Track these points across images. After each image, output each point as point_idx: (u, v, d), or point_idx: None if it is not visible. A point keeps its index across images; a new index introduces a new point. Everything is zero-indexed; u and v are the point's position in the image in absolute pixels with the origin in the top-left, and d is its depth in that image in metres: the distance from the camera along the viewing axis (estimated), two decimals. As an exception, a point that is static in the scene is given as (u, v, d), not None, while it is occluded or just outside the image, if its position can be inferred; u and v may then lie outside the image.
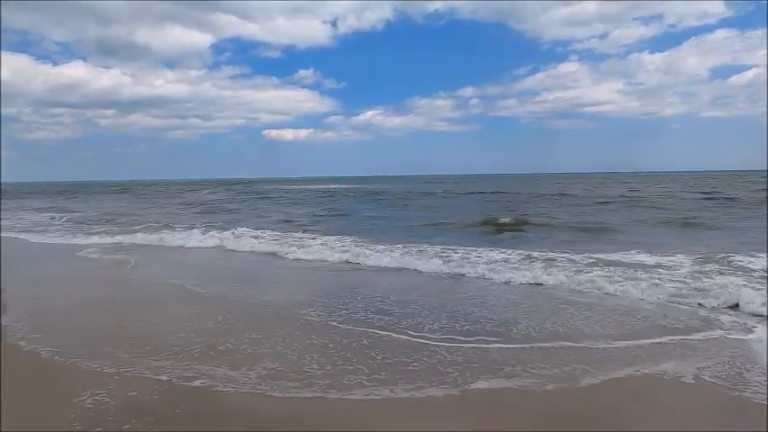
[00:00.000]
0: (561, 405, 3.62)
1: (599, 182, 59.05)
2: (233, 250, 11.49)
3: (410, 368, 4.27)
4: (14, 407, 3.62)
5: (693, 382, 3.94)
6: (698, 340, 4.90)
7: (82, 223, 18.65)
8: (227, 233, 13.35)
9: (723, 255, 8.95)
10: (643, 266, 8.23)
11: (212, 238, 12.75)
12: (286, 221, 17.92)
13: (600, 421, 3.40)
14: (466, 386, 3.89)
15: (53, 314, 6.15)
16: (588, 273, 7.72)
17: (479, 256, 9.37)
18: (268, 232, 13.87)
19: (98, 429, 3.26)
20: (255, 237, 12.85)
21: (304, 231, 14.13)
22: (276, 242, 12.02)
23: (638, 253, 9.54)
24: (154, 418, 3.41)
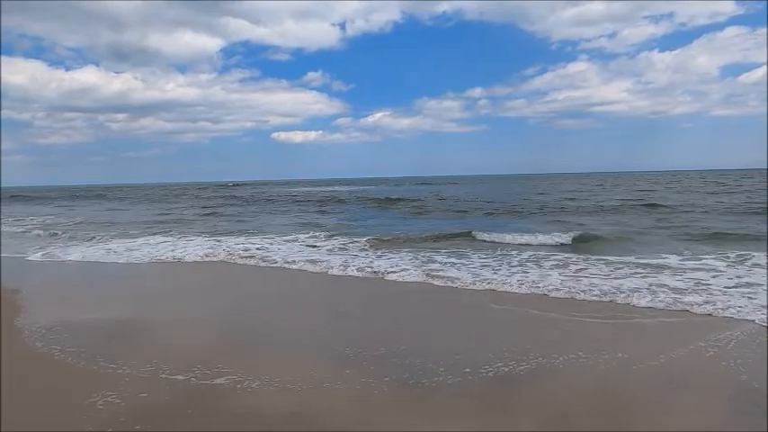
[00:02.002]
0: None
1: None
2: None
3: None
4: (21, 408, 3.70)
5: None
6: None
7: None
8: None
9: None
10: None
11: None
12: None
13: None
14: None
15: (75, 319, 6.24)
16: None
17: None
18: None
19: (109, 430, 3.33)
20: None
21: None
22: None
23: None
24: (165, 419, 3.47)
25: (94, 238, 14.55)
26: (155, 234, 15.14)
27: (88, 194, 58.12)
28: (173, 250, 11.64)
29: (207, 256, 10.85)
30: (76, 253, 11.61)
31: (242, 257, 10.46)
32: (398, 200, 29.85)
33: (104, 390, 3.91)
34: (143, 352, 4.79)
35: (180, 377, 4.17)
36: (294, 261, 9.86)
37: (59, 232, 16.17)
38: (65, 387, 4.09)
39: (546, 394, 3.88)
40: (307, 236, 13.73)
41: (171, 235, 14.77)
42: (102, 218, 22.92)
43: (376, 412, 3.63)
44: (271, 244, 12.36)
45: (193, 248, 11.78)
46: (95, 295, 7.71)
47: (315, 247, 11.83)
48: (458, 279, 7.94)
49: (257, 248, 11.62)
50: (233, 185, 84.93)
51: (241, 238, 13.60)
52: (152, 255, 11.11)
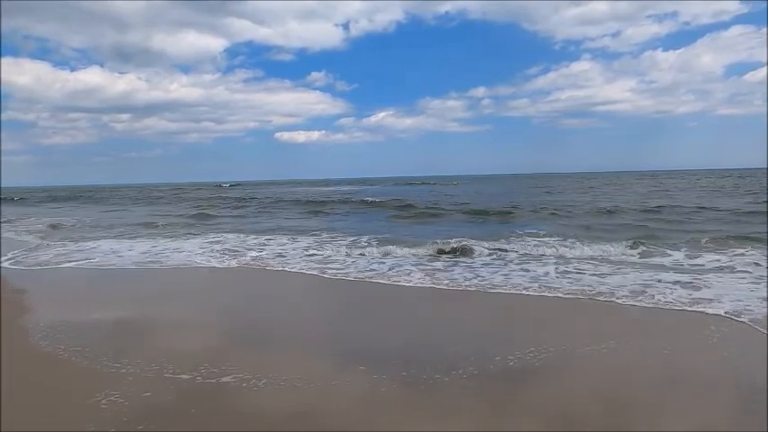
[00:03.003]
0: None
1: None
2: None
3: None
4: (22, 407, 3.68)
5: None
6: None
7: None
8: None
9: None
10: None
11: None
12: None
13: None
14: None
15: (82, 318, 6.22)
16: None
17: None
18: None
19: (112, 430, 3.31)
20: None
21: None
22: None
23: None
24: (168, 419, 3.45)
25: (70, 240, 13.81)
26: (144, 237, 14.72)
27: (74, 196, 53.20)
28: (157, 254, 11.33)
29: (201, 257, 10.77)
30: (48, 257, 10.90)
31: (236, 259, 10.33)
32: (403, 202, 27.26)
33: (108, 389, 3.88)
34: (147, 352, 4.77)
35: (185, 376, 4.15)
36: (292, 263, 9.80)
37: (34, 236, 15.11)
38: (67, 386, 4.08)
39: (551, 393, 3.84)
40: (304, 237, 13.59)
41: (158, 237, 14.34)
42: (86, 220, 21.52)
43: (384, 411, 3.59)
44: (267, 245, 12.25)
45: (185, 251, 11.53)
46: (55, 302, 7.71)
47: (313, 248, 11.70)
48: (461, 281, 7.90)
49: (252, 250, 11.48)
50: (230, 186, 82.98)
51: (234, 240, 13.34)
52: (136, 259, 10.59)
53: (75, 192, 66.90)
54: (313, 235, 13.92)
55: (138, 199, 42.58)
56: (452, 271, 8.56)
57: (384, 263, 9.53)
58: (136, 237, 14.56)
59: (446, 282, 7.84)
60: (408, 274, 8.46)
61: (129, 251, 11.63)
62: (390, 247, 10.77)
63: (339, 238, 12.99)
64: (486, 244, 10.81)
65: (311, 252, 11.01)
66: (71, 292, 7.87)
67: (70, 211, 29.75)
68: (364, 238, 12.65)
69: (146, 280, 8.84)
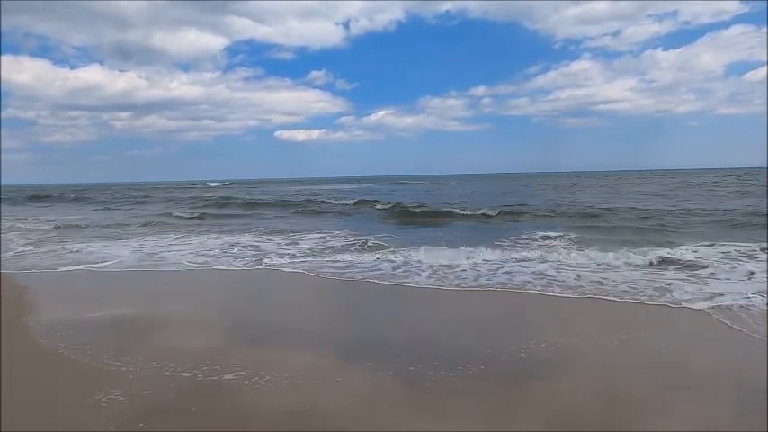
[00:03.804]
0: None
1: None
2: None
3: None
4: (23, 406, 3.62)
5: None
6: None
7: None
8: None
9: None
10: None
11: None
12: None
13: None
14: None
15: (84, 316, 6.15)
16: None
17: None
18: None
19: (112, 429, 3.25)
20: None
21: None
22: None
23: None
24: (168, 417, 3.39)
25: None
26: (134, 238, 14.68)
27: (61, 195, 47.28)
28: (149, 255, 11.24)
29: (196, 259, 10.67)
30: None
31: (234, 260, 10.16)
32: (401, 201, 25.09)
33: (108, 387, 3.82)
34: (147, 350, 4.72)
35: (185, 374, 4.09)
36: (291, 263, 9.68)
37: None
38: (68, 385, 4.02)
39: (557, 391, 3.79)
40: (302, 236, 13.45)
41: (152, 237, 14.23)
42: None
43: (387, 411, 3.53)
44: (265, 245, 12.07)
45: (179, 252, 11.34)
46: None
47: (312, 247, 11.62)
48: (469, 280, 7.82)
49: (250, 249, 11.35)
50: (225, 184, 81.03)
51: (232, 240, 13.03)
52: (128, 261, 10.16)
53: (66, 190, 64.28)
54: (310, 235, 13.80)
55: (130, 198, 41.24)
56: (457, 270, 8.50)
57: (391, 262, 9.42)
58: (123, 238, 14.06)
59: (452, 281, 7.76)
60: (416, 274, 8.36)
61: (117, 252, 11.24)
62: (396, 250, 10.55)
63: (338, 239, 12.95)
64: (488, 244, 10.67)
65: (310, 252, 10.91)
66: (63, 294, 7.81)
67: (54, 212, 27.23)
68: (365, 238, 12.56)
69: (139, 282, 8.66)
